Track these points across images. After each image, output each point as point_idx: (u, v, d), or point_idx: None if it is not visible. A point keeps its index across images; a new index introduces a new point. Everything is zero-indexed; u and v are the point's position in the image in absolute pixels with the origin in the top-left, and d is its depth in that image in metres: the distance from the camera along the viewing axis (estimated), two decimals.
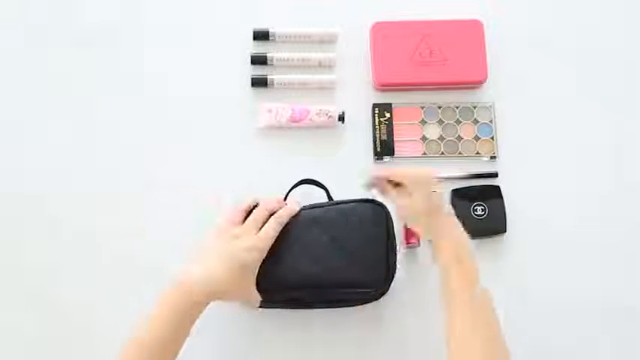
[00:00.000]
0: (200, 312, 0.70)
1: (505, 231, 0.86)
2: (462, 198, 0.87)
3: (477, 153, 0.90)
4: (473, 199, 0.87)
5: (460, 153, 0.90)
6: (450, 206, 0.77)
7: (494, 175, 0.89)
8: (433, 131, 0.91)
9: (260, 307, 0.77)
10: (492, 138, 0.90)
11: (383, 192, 0.78)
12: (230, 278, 0.71)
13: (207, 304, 0.71)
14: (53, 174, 0.89)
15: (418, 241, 0.84)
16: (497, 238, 0.87)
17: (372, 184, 0.78)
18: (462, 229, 0.73)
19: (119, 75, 0.92)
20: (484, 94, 0.92)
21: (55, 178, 0.88)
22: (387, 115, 0.90)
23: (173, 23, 0.95)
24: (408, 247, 0.85)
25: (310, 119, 0.86)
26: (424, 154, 0.90)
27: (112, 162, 0.89)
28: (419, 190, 0.73)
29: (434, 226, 0.72)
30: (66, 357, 0.83)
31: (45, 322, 0.84)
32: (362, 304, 0.81)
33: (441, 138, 0.90)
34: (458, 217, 0.85)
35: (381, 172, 0.77)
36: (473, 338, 0.65)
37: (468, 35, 0.91)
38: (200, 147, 0.89)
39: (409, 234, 0.84)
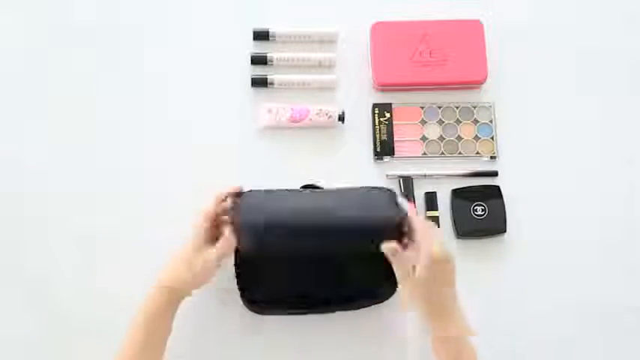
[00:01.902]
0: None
1: (505, 231, 0.86)
2: (462, 198, 0.87)
3: (477, 153, 0.90)
4: (473, 199, 0.87)
5: (460, 153, 0.90)
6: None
7: (495, 174, 0.89)
8: (433, 131, 0.91)
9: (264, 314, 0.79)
10: (492, 138, 0.90)
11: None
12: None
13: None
14: (53, 174, 0.89)
15: None
16: (497, 238, 0.87)
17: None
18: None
19: (119, 75, 0.92)
20: (484, 94, 0.92)
21: (55, 177, 0.88)
22: (387, 115, 0.90)
23: (173, 23, 0.95)
24: None
25: (310, 119, 0.86)
26: (424, 154, 0.90)
27: (111, 162, 0.89)
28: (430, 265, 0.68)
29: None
30: (66, 357, 0.83)
31: (45, 322, 0.84)
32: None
33: (441, 138, 0.90)
34: (458, 217, 0.86)
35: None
36: None
37: (468, 35, 0.91)
38: (200, 147, 0.89)
39: None
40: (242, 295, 0.79)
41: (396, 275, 0.70)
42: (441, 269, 0.69)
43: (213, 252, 0.73)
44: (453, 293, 0.71)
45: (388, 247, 0.69)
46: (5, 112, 0.91)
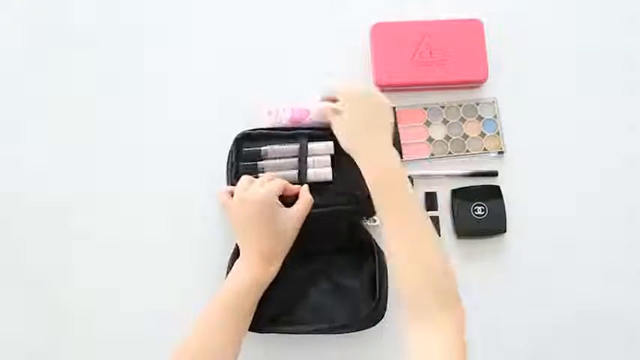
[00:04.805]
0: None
1: (505, 231, 0.86)
2: (462, 198, 0.87)
3: (485, 149, 0.90)
4: (473, 199, 0.87)
5: (467, 151, 0.90)
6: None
7: (495, 174, 0.89)
8: (438, 132, 0.91)
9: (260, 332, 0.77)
10: (498, 133, 0.90)
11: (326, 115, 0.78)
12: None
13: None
14: (53, 174, 0.89)
15: None
16: (497, 238, 0.87)
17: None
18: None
19: (119, 75, 0.92)
20: (485, 94, 0.92)
21: (55, 178, 0.88)
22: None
23: (173, 23, 0.95)
24: None
25: (310, 119, 0.86)
26: (432, 155, 0.90)
27: (111, 162, 0.89)
28: (351, 103, 0.75)
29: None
30: (66, 357, 0.83)
31: (45, 322, 0.84)
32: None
33: (447, 138, 0.90)
34: (458, 217, 0.86)
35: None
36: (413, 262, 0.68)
37: (468, 35, 0.91)
38: (200, 147, 0.89)
39: None
40: None
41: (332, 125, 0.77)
42: (370, 108, 0.74)
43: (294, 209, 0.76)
44: (388, 139, 0.73)
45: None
46: (5, 112, 0.91)
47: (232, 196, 0.77)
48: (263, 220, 0.73)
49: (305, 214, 0.76)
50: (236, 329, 0.70)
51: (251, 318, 0.73)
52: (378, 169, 0.71)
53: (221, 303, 0.71)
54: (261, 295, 0.73)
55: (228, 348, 0.69)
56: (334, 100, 0.77)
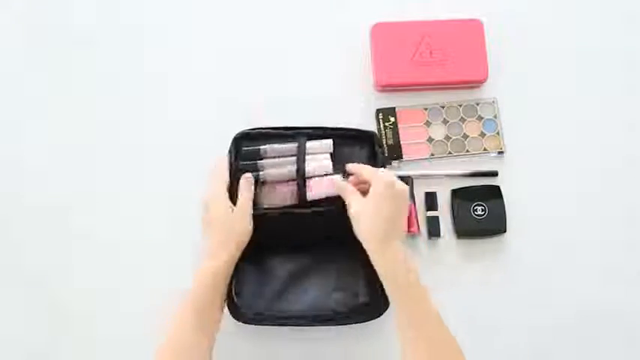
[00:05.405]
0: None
1: (505, 231, 0.86)
2: (462, 198, 0.87)
3: (485, 149, 0.90)
4: (473, 199, 0.87)
5: (467, 151, 0.90)
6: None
7: (495, 174, 0.89)
8: (438, 132, 0.91)
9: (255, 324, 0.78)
10: (498, 133, 0.90)
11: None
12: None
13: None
14: (53, 174, 0.89)
15: (418, 228, 0.85)
16: (497, 238, 0.87)
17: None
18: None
19: (119, 75, 0.92)
20: (485, 94, 0.92)
21: (55, 178, 0.88)
22: (392, 119, 0.90)
23: (173, 23, 0.95)
24: (408, 236, 0.85)
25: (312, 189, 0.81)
26: (432, 154, 0.90)
27: (111, 162, 0.89)
28: (376, 191, 0.71)
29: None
30: (66, 357, 0.83)
31: (45, 322, 0.84)
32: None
33: (447, 137, 0.90)
34: (458, 217, 0.86)
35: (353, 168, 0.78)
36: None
37: (468, 35, 0.91)
38: (200, 147, 0.89)
39: (410, 221, 0.84)
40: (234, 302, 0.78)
41: (348, 205, 0.74)
42: (389, 199, 0.71)
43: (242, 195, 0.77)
44: (402, 234, 0.73)
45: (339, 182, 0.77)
46: (5, 112, 0.91)
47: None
48: (209, 217, 0.76)
49: (246, 206, 0.77)
50: (208, 322, 0.73)
51: (222, 308, 0.75)
52: (398, 284, 0.69)
53: (188, 302, 0.73)
54: (226, 283, 0.75)
55: (203, 341, 0.71)
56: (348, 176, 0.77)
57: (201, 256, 0.75)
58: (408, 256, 0.70)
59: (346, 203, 0.75)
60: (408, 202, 0.75)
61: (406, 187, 0.72)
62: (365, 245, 0.72)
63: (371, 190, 0.72)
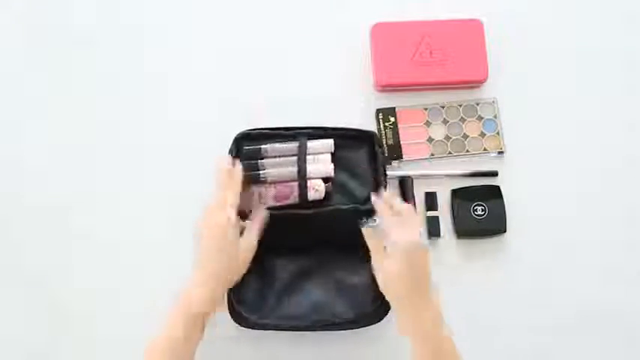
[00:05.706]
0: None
1: (505, 231, 0.86)
2: (462, 198, 0.87)
3: (485, 149, 0.90)
4: (473, 199, 0.87)
5: (467, 151, 0.90)
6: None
7: (495, 174, 0.89)
8: (438, 132, 0.91)
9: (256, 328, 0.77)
10: (498, 133, 0.90)
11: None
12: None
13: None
14: (53, 174, 0.89)
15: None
16: (497, 238, 0.87)
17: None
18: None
19: (119, 75, 0.92)
20: (485, 94, 0.92)
21: (55, 178, 0.88)
22: (392, 119, 0.90)
23: (173, 23, 0.95)
24: None
25: (295, 197, 0.80)
26: (432, 154, 0.90)
27: (111, 162, 0.89)
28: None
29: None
30: (66, 357, 0.83)
31: (45, 322, 0.84)
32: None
33: (447, 138, 0.90)
34: (458, 217, 0.86)
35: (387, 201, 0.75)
36: None
37: (468, 35, 0.91)
38: (200, 148, 0.89)
39: None
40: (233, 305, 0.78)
41: (372, 259, 0.73)
42: (415, 256, 0.69)
43: (250, 225, 0.74)
44: (427, 283, 0.70)
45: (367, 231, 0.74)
46: (5, 112, 0.91)
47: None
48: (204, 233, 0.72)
49: (251, 248, 0.74)
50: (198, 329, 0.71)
51: (215, 310, 0.72)
52: (429, 345, 0.68)
53: (179, 314, 0.70)
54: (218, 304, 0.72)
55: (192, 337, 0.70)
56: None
57: (193, 265, 0.73)
58: (437, 312, 0.68)
59: (370, 252, 0.74)
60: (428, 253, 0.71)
61: (427, 247, 0.70)
62: (391, 305, 0.72)
63: (391, 249, 0.70)
